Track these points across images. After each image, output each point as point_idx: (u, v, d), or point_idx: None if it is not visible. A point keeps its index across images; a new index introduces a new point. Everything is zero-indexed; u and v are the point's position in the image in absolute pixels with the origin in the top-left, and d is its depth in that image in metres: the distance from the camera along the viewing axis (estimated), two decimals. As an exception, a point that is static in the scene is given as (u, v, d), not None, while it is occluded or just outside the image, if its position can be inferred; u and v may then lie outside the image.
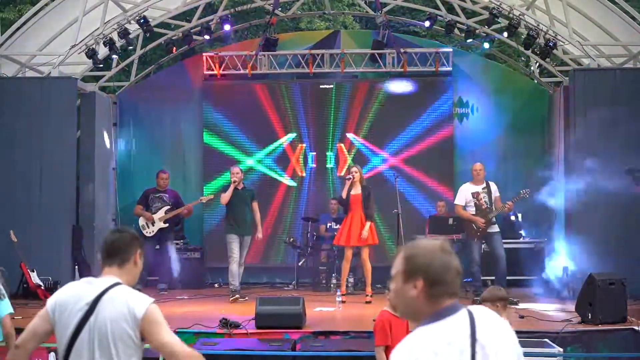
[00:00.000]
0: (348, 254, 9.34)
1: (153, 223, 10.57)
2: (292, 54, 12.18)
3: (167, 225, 10.64)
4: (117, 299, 2.94)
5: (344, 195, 9.36)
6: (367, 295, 9.21)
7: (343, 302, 8.85)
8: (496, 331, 2.27)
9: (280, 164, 12.26)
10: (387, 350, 5.01)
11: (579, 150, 9.97)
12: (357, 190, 9.34)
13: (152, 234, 10.52)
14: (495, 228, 9.33)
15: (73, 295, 3.00)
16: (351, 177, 9.33)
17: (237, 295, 9.48)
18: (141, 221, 10.60)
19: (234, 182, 9.68)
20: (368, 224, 9.22)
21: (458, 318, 2.23)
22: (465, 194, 9.41)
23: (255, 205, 9.84)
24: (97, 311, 2.92)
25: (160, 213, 10.62)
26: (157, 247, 10.60)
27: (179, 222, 11.35)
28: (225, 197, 9.70)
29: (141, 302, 2.95)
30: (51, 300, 3.02)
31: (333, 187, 12.14)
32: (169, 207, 10.70)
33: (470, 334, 2.20)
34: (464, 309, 2.27)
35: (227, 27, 11.56)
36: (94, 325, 2.91)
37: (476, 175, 9.47)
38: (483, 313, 2.30)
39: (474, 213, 9.31)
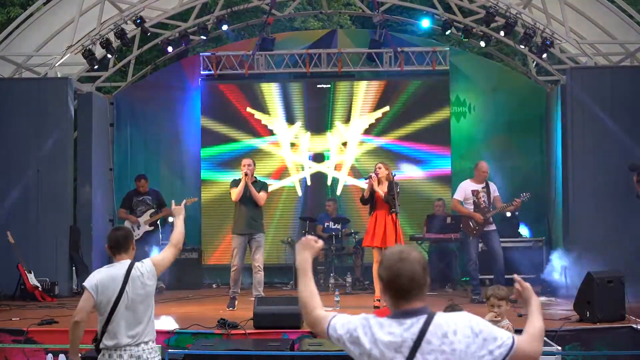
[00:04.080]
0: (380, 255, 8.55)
1: (139, 226, 10.55)
2: (289, 53, 12.17)
3: (152, 228, 10.64)
4: (139, 269, 4.37)
5: (366, 194, 8.65)
6: (377, 300, 8.38)
7: (377, 307, 8.18)
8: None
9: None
10: None
11: (577, 148, 9.97)
12: (384, 187, 8.64)
13: (138, 237, 10.29)
14: (492, 226, 9.31)
15: (108, 276, 4.28)
16: (374, 175, 8.58)
17: (232, 308, 8.55)
18: (127, 224, 10.48)
19: (245, 174, 8.54)
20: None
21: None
22: (465, 191, 9.38)
23: (262, 194, 8.73)
24: (131, 281, 4.26)
25: (146, 216, 10.63)
26: (147, 249, 10.44)
27: (165, 222, 11.22)
28: (236, 192, 8.58)
29: (147, 261, 4.50)
30: (91, 284, 4.26)
31: (331, 187, 12.14)
32: (153, 210, 10.71)
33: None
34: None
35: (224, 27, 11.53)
36: (130, 291, 4.25)
37: (482, 175, 9.39)
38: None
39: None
